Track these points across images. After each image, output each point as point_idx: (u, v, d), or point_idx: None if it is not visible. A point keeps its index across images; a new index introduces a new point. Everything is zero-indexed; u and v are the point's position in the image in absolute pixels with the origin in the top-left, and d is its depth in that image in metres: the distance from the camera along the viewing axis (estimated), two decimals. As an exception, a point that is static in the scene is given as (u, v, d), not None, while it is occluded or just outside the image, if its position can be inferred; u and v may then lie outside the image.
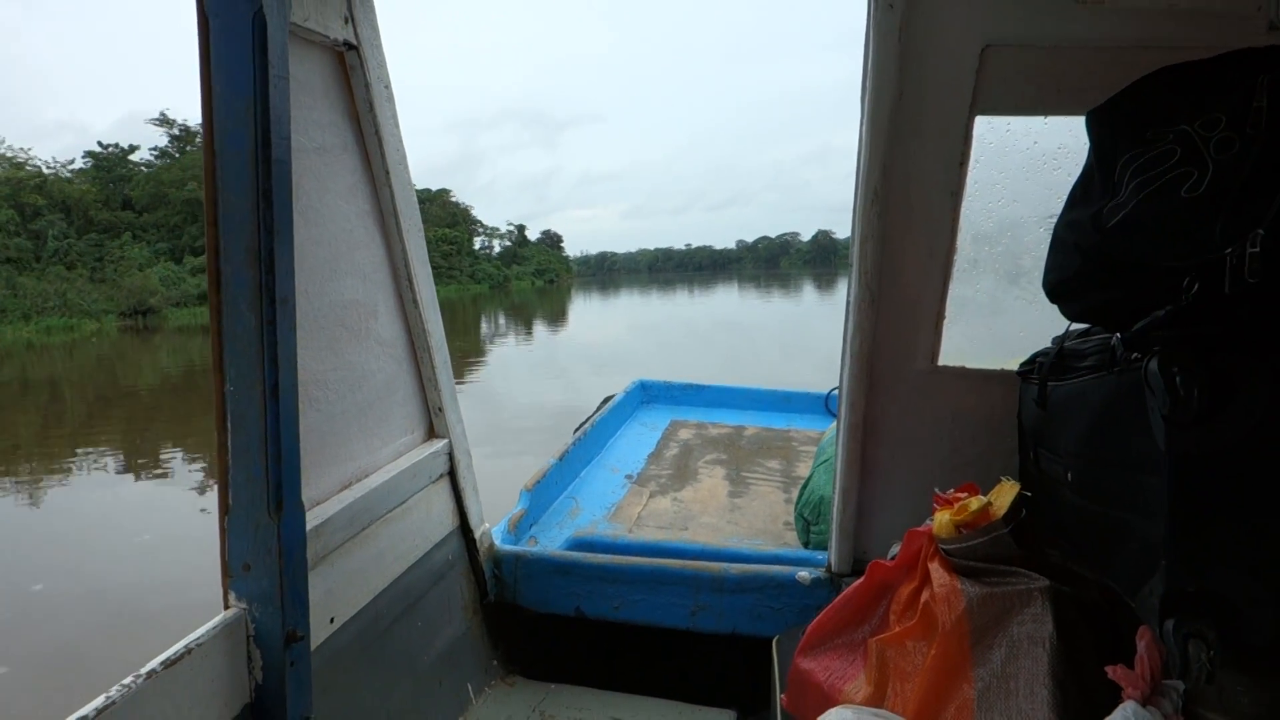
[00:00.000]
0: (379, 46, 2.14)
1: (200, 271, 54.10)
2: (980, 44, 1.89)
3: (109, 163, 67.26)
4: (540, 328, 38.89)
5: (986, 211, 2.07)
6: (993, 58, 1.90)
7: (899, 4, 1.86)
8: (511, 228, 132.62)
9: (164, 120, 70.71)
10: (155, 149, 70.19)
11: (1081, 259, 1.39)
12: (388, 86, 2.20)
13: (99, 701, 1.30)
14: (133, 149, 68.88)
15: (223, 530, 1.60)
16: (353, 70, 2.08)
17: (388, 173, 2.21)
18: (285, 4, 1.49)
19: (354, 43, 2.03)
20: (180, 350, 31.27)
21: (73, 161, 69.98)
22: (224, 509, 1.59)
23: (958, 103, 1.94)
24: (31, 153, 77.17)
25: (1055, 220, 1.50)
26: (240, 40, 1.42)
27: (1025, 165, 2.01)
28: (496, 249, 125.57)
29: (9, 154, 59.62)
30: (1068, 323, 1.66)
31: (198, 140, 67.56)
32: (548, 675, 2.69)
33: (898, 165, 2.01)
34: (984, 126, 1.98)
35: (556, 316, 48.03)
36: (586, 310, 55.43)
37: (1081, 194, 1.43)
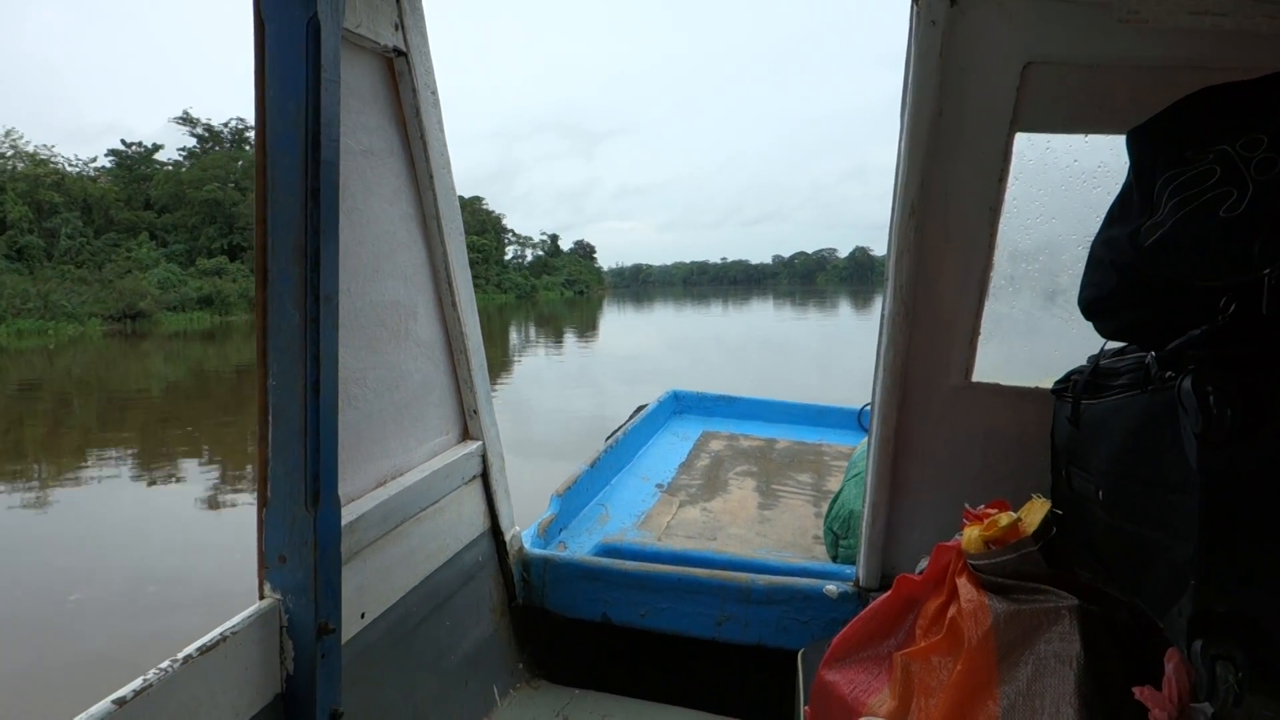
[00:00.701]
0: (427, 54, 2.19)
1: (207, 274, 55.10)
2: (1022, 61, 1.89)
3: (132, 162, 66.89)
4: (567, 340, 37.95)
5: (1025, 228, 2.06)
6: (1034, 75, 1.90)
7: (941, 20, 1.87)
8: (545, 237, 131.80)
9: (187, 119, 70.57)
10: (184, 149, 70.46)
11: (1118, 277, 1.39)
12: (434, 92, 2.24)
13: (136, 683, 1.33)
14: (157, 148, 68.46)
15: (260, 522, 1.63)
16: (401, 76, 2.13)
17: (431, 177, 2.25)
18: (339, 11, 1.53)
19: (403, 49, 2.08)
20: (174, 357, 29.69)
21: (95, 160, 69.64)
22: (262, 501, 1.62)
23: (998, 119, 1.94)
24: (55, 149, 76.94)
25: (1093, 239, 1.50)
26: (294, 45, 1.46)
27: (1065, 183, 2.00)
28: (529, 258, 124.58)
29: (31, 151, 59.29)
30: (1104, 341, 1.65)
31: (225, 139, 67.54)
32: (572, 680, 2.70)
33: (936, 180, 2.01)
34: (1024, 143, 1.98)
35: (584, 329, 46.90)
36: (617, 323, 54.40)
37: (1119, 212, 1.43)
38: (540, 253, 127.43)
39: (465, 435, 2.57)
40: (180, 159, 67.88)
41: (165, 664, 1.39)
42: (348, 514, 1.83)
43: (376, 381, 2.07)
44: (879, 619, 1.86)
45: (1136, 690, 1.31)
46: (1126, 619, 1.55)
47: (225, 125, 71.14)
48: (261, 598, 1.65)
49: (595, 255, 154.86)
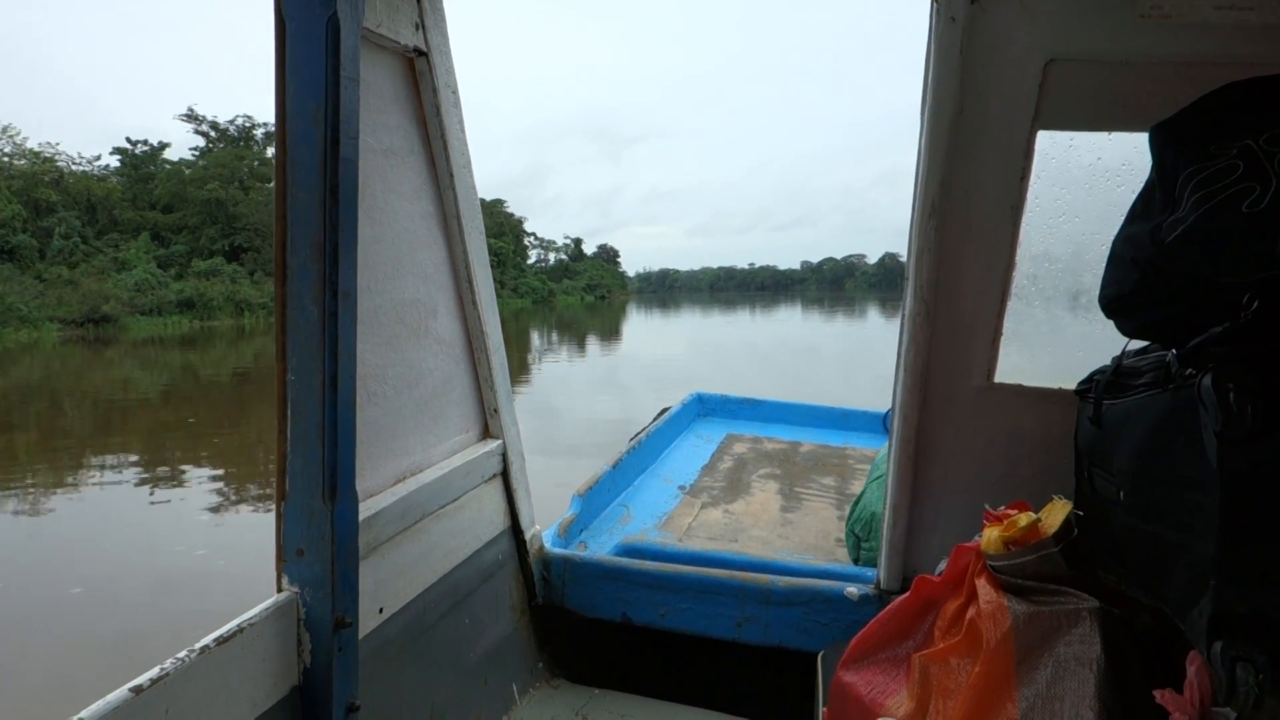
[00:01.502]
0: (448, 54, 2.21)
1: (202, 275, 52.33)
2: (1044, 58, 1.87)
3: (138, 161, 63.22)
4: (588, 347, 36.12)
5: (1047, 227, 2.04)
6: (1056, 72, 1.88)
7: (961, 17, 1.86)
8: (568, 241, 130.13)
9: (192, 116, 67.56)
10: (195, 148, 66.92)
11: (1139, 274, 1.37)
12: (455, 92, 2.26)
13: (154, 672, 1.34)
14: (164, 146, 64.97)
15: (279, 515, 1.65)
16: (421, 76, 2.14)
17: (452, 176, 2.27)
18: (359, 9, 1.54)
19: (424, 49, 2.09)
20: (149, 365, 26.51)
21: (99, 157, 67.93)
22: (280, 494, 1.64)
23: (1019, 117, 1.93)
24: (59, 147, 73.74)
25: (1114, 237, 1.49)
26: (314, 43, 1.48)
27: (1087, 181, 1.98)
28: (552, 262, 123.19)
29: (35, 149, 56.13)
30: (1127, 341, 1.63)
31: (232, 137, 65.42)
32: (592, 680, 2.70)
33: (957, 179, 2.00)
34: (1046, 141, 1.96)
35: (605, 334, 45.47)
36: (639, 328, 52.71)
37: (1141, 209, 1.42)
38: (564, 257, 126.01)
39: (485, 434, 2.58)
40: (193, 157, 64.99)
41: (183, 654, 1.40)
42: (366, 509, 1.84)
43: (396, 379, 2.08)
44: (897, 620, 1.85)
45: (1157, 693, 1.29)
46: (1148, 621, 1.53)
47: (231, 122, 68.25)
48: (279, 590, 1.66)
49: (619, 259, 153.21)
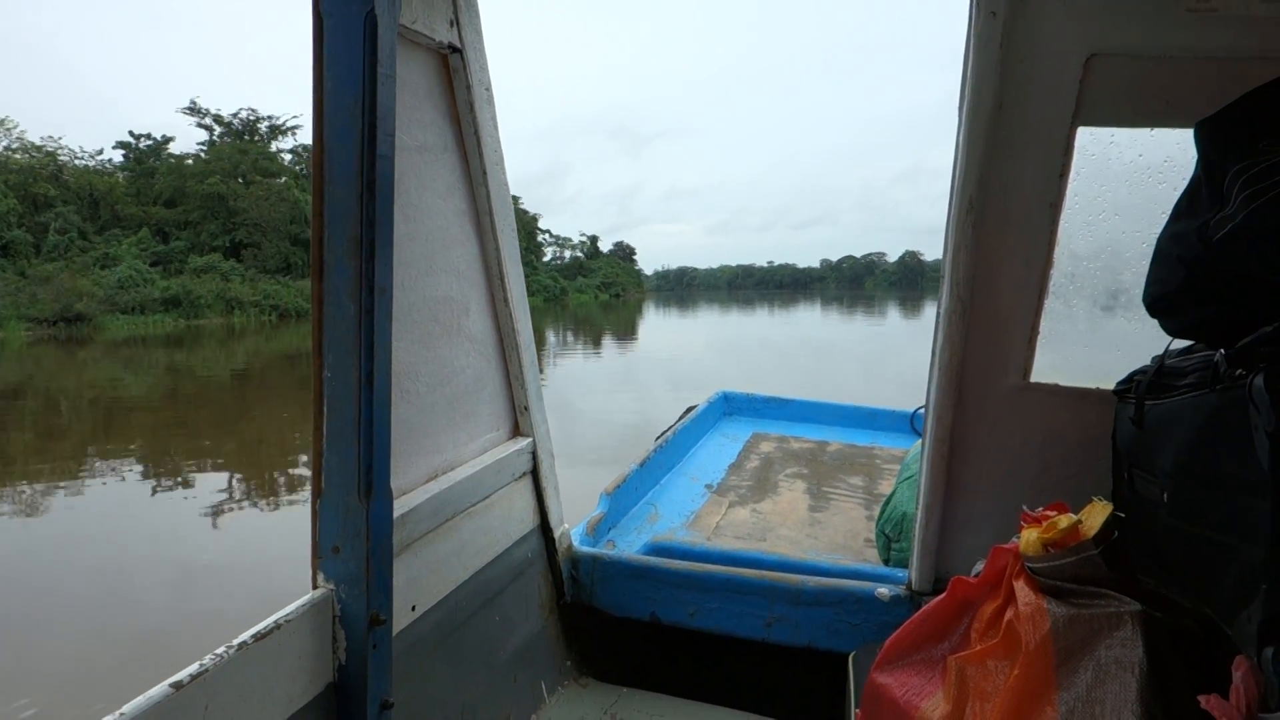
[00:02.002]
0: (482, 50, 2.21)
1: (199, 272, 50.56)
2: (1085, 53, 1.85)
3: (142, 155, 61.53)
4: (588, 347, 34.16)
5: (1086, 225, 2.02)
6: (1098, 67, 1.86)
7: (1001, 12, 1.84)
8: (584, 238, 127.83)
9: (194, 109, 64.51)
10: (202, 143, 64.69)
11: (1185, 272, 1.35)
12: (488, 89, 2.26)
13: (193, 668, 1.34)
14: (168, 140, 63.26)
15: (314, 512, 1.65)
16: (455, 72, 2.14)
17: (484, 173, 2.27)
18: (395, 6, 1.54)
19: (458, 46, 2.10)
20: (137, 366, 24.96)
21: (101, 151, 66.19)
22: (316, 491, 1.64)
23: (1060, 113, 1.91)
24: (62, 141, 70.26)
25: (1159, 234, 1.47)
26: (352, 39, 1.48)
27: (1129, 178, 1.95)
28: (568, 259, 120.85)
29: (37, 142, 54.39)
30: (1168, 342, 1.61)
31: (236, 130, 63.48)
32: (620, 679, 2.70)
33: (995, 176, 1.98)
34: (1086, 138, 1.93)
35: (618, 333, 42.81)
36: (652, 329, 50.22)
37: (1187, 206, 1.40)
38: (580, 254, 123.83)
39: (516, 431, 2.59)
40: (200, 152, 62.71)
41: (221, 650, 1.40)
42: (399, 507, 1.85)
43: (429, 376, 2.09)
44: (933, 621, 1.83)
45: (1202, 699, 1.27)
46: (1191, 625, 1.51)
47: (235, 115, 65.77)
48: (315, 587, 1.66)
49: (635, 257, 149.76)
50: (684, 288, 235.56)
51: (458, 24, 2.08)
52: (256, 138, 65.77)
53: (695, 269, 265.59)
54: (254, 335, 39.15)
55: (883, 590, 2.41)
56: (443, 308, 2.15)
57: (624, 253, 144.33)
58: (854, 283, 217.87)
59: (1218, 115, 1.36)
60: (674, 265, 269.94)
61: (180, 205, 56.58)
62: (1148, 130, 1.91)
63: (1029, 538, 1.65)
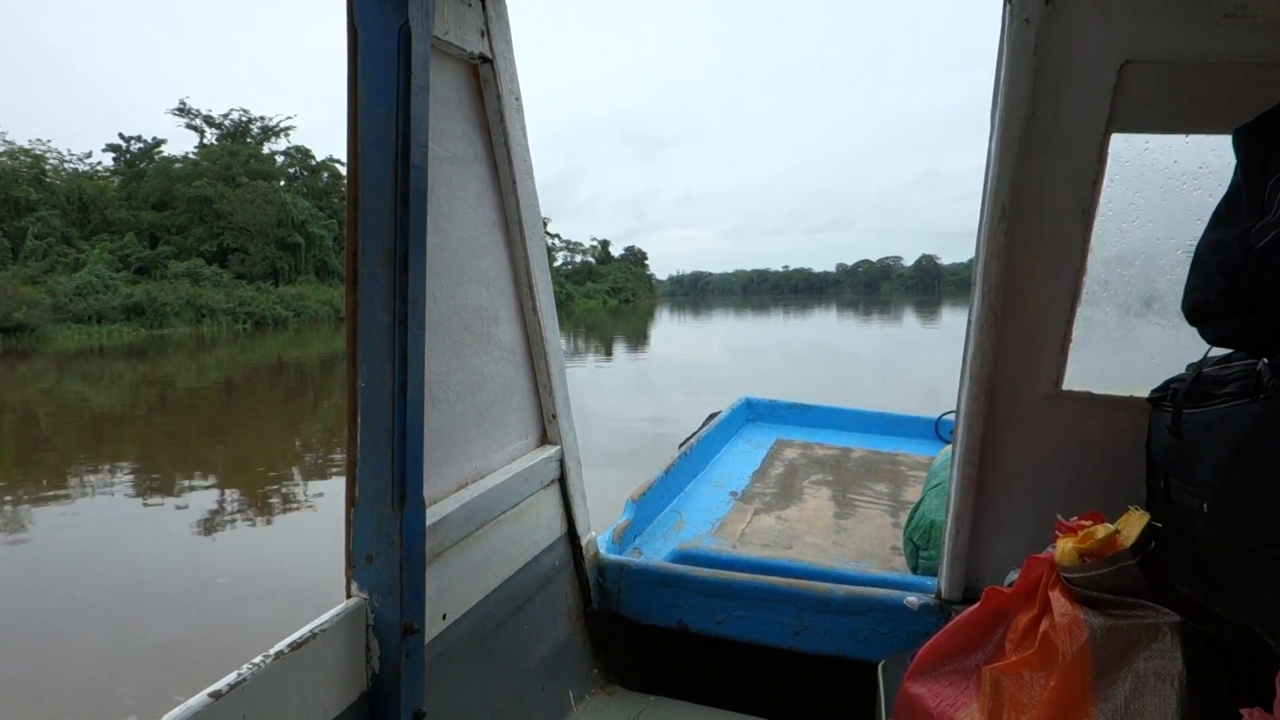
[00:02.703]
0: (511, 60, 2.22)
1: (180, 278, 48.33)
2: (1120, 60, 1.84)
3: (133, 158, 59.96)
4: (598, 354, 32.09)
5: (1120, 232, 2.01)
6: (1132, 74, 1.85)
7: (1035, 19, 1.83)
8: (595, 243, 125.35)
9: (184, 110, 63.01)
10: (199, 146, 63.39)
11: (1226, 280, 1.34)
12: (518, 99, 2.27)
13: (231, 678, 1.35)
14: (159, 143, 61.20)
15: (348, 522, 1.65)
16: (486, 83, 2.15)
17: (514, 182, 2.28)
18: (429, 18, 1.55)
19: (489, 56, 2.10)
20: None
21: (90, 154, 65.73)
22: (350, 501, 1.65)
23: (1093, 119, 1.90)
24: (51, 144, 67.24)
25: (1195, 242, 1.45)
26: (386, 52, 1.48)
27: (1163, 185, 1.94)
28: (579, 263, 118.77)
29: (25, 145, 53.58)
30: (1204, 350, 1.60)
31: (228, 132, 61.45)
32: (647, 687, 2.70)
33: (1027, 183, 1.97)
34: (1120, 144, 1.92)
35: (629, 340, 41.19)
36: (664, 334, 48.57)
37: (1227, 213, 1.39)
38: (591, 259, 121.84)
39: (544, 439, 2.59)
40: (191, 154, 61.50)
41: (258, 659, 1.41)
42: (431, 515, 1.85)
43: (459, 385, 2.09)
44: (967, 631, 1.82)
45: (1245, 712, 1.26)
46: (1231, 637, 1.49)
47: (225, 116, 64.36)
48: (349, 596, 1.67)
49: (647, 261, 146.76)
50: (698, 292, 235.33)
51: (488, 34, 2.09)
52: (249, 139, 64.58)
53: (710, 274, 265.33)
54: (226, 345, 37.15)
55: (911, 599, 2.39)
56: (473, 316, 2.16)
57: (635, 257, 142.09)
58: (870, 287, 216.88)
59: (1258, 121, 1.35)
60: (690, 270, 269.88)
61: (169, 209, 55.11)
62: (1183, 136, 1.90)
63: (1065, 547, 1.63)
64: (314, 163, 65.91)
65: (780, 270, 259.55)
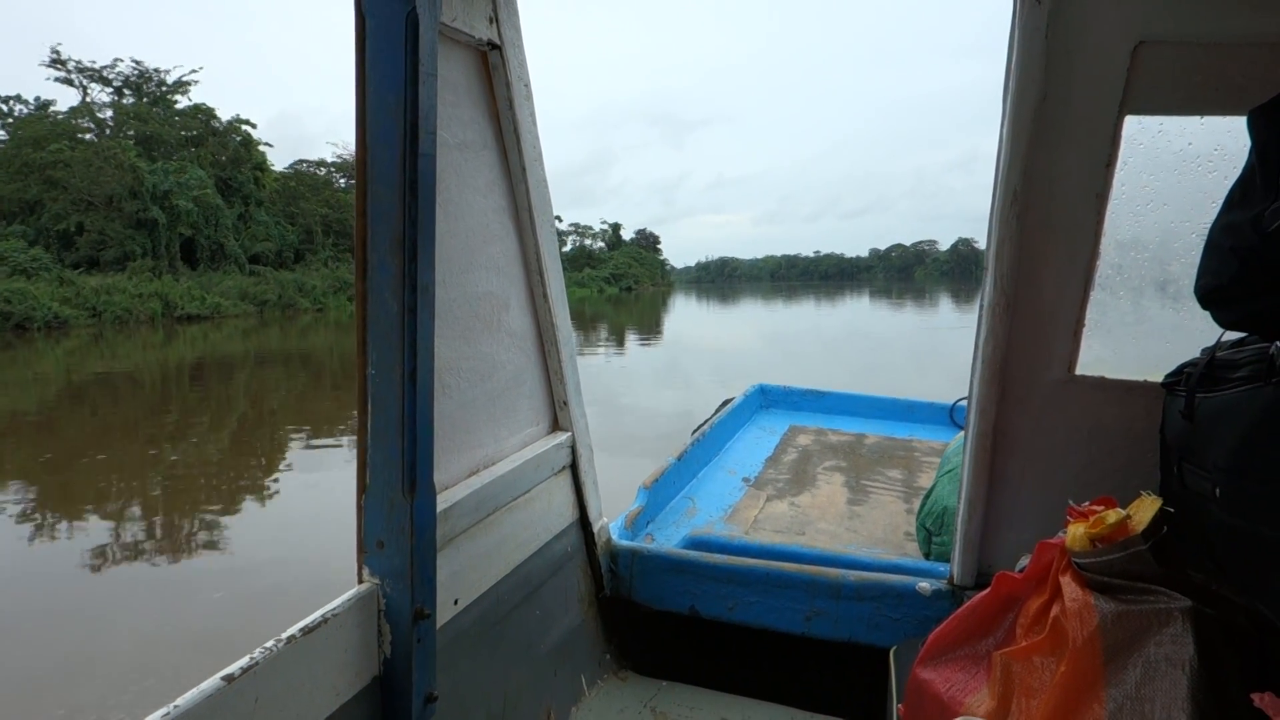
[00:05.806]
0: (520, 47, 2.22)
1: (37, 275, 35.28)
2: (1133, 41, 1.81)
3: (21, 125, 45.70)
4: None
5: (1134, 215, 1.98)
6: (1146, 55, 1.82)
7: (1047, 1, 1.81)
8: (605, 226, 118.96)
9: (57, 61, 48.52)
10: (99, 103, 49.49)
11: (1239, 264, 1.32)
12: (527, 85, 2.27)
13: (244, 661, 1.37)
14: (47, 104, 48.19)
15: (360, 508, 1.67)
16: (495, 70, 2.16)
17: (524, 169, 2.28)
18: (436, 4, 1.55)
19: (497, 43, 2.11)
20: None
21: None
22: (361, 487, 1.66)
23: (1107, 102, 1.87)
24: None
25: (1209, 226, 1.43)
26: (394, 39, 1.49)
27: (1177, 168, 1.91)
28: (589, 246, 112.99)
29: None
30: (1217, 334, 1.57)
31: (115, 86, 47.89)
32: (659, 672, 2.71)
33: (1040, 166, 1.95)
34: (1134, 127, 1.90)
35: (640, 331, 36.20)
36: (673, 322, 43.74)
37: (1241, 196, 1.36)
38: (602, 244, 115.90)
39: (555, 426, 2.60)
40: (106, 116, 48.29)
41: (270, 643, 1.43)
42: (442, 502, 1.86)
43: (470, 372, 2.11)
44: (977, 617, 1.82)
45: (1255, 697, 1.25)
46: (1244, 622, 1.48)
47: (110, 68, 49.97)
48: (360, 582, 1.69)
49: (660, 246, 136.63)
50: (725, 279, 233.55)
51: (497, 21, 2.09)
52: (144, 97, 51.04)
53: (738, 259, 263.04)
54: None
55: (924, 585, 2.38)
56: (483, 304, 2.17)
57: (647, 241, 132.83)
58: (903, 272, 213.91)
59: (1273, 102, 1.32)
60: (717, 256, 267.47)
61: (14, 183, 42.35)
62: (1197, 118, 1.87)
63: (1076, 533, 1.62)
64: (218, 125, 51.68)
65: (811, 256, 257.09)
